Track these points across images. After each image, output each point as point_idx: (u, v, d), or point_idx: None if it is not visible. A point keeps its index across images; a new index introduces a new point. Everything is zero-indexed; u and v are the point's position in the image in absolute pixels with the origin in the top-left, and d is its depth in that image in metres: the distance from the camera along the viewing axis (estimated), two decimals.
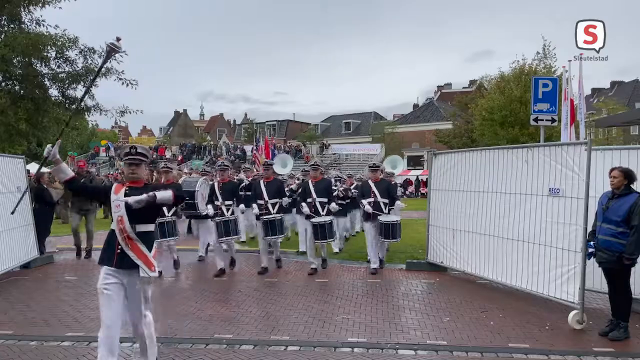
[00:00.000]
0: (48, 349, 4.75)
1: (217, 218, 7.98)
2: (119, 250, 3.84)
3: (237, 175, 12.24)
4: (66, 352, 4.69)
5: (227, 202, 8.21)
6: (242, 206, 8.69)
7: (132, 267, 3.83)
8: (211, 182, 9.22)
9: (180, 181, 9.26)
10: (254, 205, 8.35)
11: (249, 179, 11.23)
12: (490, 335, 5.20)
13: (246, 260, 9.47)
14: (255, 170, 14.41)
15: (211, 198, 8.13)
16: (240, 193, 10.69)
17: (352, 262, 9.26)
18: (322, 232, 7.99)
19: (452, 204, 8.02)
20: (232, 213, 8.27)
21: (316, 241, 8.10)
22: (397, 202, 8.75)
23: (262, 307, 6.26)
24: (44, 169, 8.95)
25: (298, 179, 11.59)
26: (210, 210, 7.91)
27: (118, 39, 4.07)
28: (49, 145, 3.96)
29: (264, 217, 8.08)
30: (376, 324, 5.57)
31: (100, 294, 3.80)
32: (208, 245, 9.47)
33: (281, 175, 12.92)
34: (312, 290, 7.15)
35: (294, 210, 10.33)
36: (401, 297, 6.75)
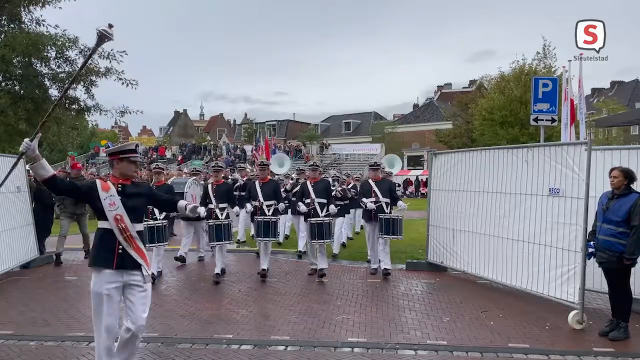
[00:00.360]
0: (48, 349, 4.74)
1: (210, 221, 7.61)
2: (120, 251, 3.68)
3: (231, 175, 12.07)
4: (66, 352, 4.68)
5: (221, 205, 7.81)
6: (236, 209, 8.26)
7: (134, 267, 3.72)
8: (202, 183, 8.88)
9: (169, 182, 8.99)
10: (248, 205, 8.01)
11: (244, 179, 10.97)
12: (490, 335, 5.20)
13: (246, 260, 9.47)
14: (253, 170, 14.33)
15: (205, 201, 7.76)
16: (235, 193, 10.32)
17: (352, 262, 9.26)
18: (319, 231, 7.59)
19: (452, 204, 8.02)
20: (227, 216, 7.88)
21: (312, 241, 7.69)
22: (400, 203, 8.33)
23: (262, 307, 6.26)
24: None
25: (292, 179, 11.25)
26: (201, 210, 7.57)
27: (110, 26, 3.75)
28: (26, 140, 3.49)
29: (258, 217, 7.80)
30: (376, 324, 5.57)
31: (101, 297, 3.62)
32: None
33: (278, 175, 12.65)
34: (312, 290, 7.15)
35: (289, 211, 9.96)
36: (401, 297, 6.75)
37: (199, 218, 7.73)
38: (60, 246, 9.09)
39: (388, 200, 8.16)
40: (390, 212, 8.17)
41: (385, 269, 7.95)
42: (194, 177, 9.74)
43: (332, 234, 8.01)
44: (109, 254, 3.68)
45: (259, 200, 7.93)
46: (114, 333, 3.74)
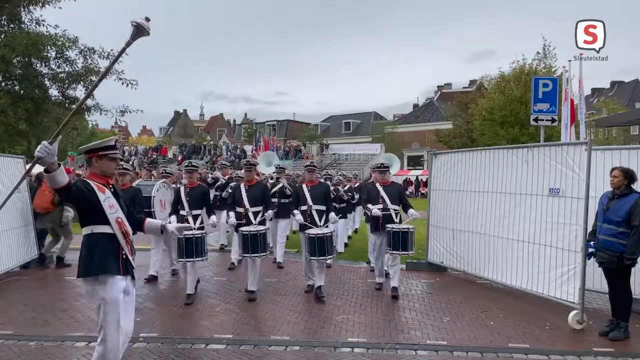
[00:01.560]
0: (48, 349, 4.74)
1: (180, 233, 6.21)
2: (123, 257, 3.51)
3: (212, 174, 11.31)
4: (66, 352, 4.69)
5: (195, 212, 6.79)
6: (213, 218, 6.93)
7: (131, 272, 3.61)
8: (174, 186, 7.95)
9: (134, 185, 7.97)
10: (231, 214, 6.87)
11: (225, 178, 10.17)
12: (490, 335, 5.20)
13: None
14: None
15: (176, 206, 6.85)
16: (216, 193, 9.73)
17: (352, 262, 9.26)
18: (320, 246, 6.42)
19: (452, 204, 8.02)
20: (202, 223, 6.86)
21: (312, 258, 6.56)
22: (411, 211, 6.94)
23: (262, 307, 6.26)
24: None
25: (272, 178, 10.25)
26: (173, 222, 6.01)
27: (147, 19, 3.31)
28: (45, 143, 3.06)
29: (244, 229, 6.49)
30: (376, 324, 5.57)
31: (118, 302, 3.44)
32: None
33: (265, 175, 11.89)
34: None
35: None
36: (401, 297, 6.74)
37: None
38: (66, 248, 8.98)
39: (397, 208, 7.13)
40: (399, 222, 7.09)
41: (393, 287, 6.93)
42: (164, 180, 8.51)
43: (335, 248, 7.09)
44: (114, 258, 3.47)
45: (244, 207, 6.87)
46: (130, 336, 3.61)
